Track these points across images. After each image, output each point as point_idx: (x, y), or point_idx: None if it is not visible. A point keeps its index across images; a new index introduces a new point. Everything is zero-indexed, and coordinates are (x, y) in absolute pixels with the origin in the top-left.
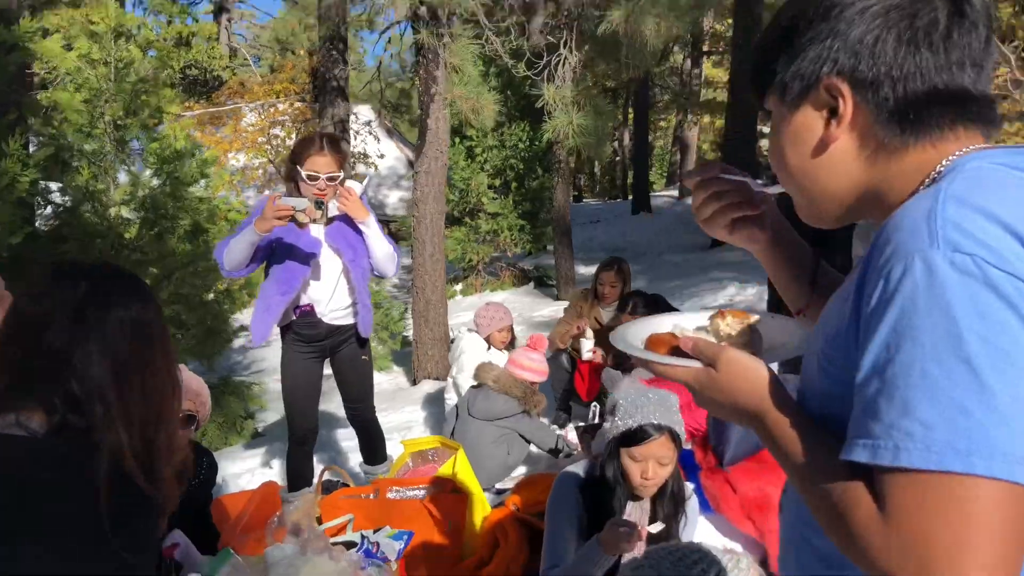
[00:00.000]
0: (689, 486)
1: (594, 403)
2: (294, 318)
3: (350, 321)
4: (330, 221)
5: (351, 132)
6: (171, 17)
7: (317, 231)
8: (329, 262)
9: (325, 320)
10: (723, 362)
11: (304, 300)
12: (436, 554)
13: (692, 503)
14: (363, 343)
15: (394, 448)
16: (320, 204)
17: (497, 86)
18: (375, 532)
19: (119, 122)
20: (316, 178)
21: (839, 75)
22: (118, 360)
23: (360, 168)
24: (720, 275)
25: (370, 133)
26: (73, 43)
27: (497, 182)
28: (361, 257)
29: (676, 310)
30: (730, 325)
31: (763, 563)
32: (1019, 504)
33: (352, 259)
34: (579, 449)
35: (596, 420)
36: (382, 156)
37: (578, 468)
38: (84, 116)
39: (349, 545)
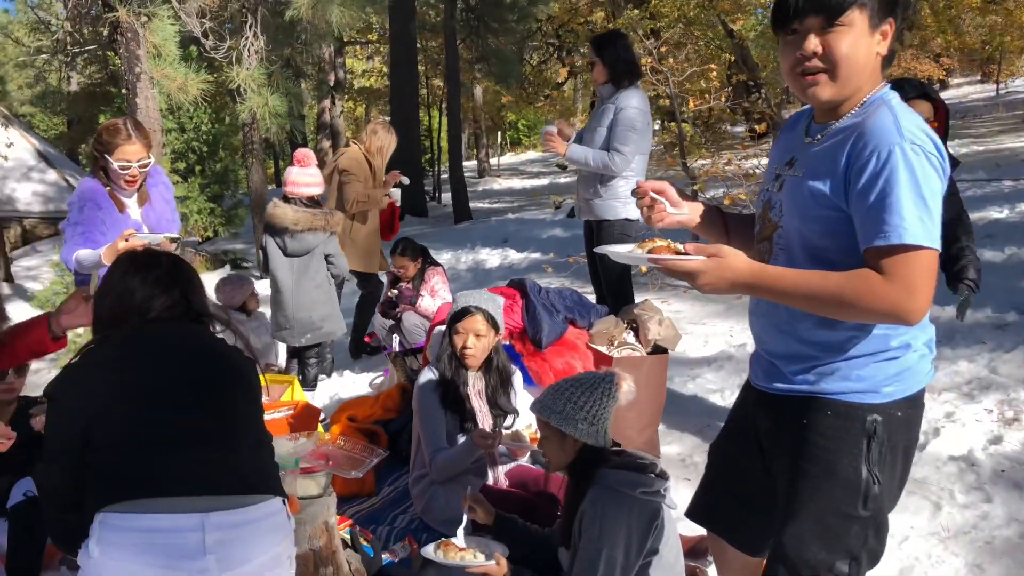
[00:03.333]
0: (515, 367)
1: (393, 335)
2: None
3: None
4: None
5: None
6: None
7: (135, 215)
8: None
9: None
10: (723, 251)
11: None
12: None
13: (517, 378)
14: None
15: None
16: (175, 239)
17: (197, 66)
18: None
19: None
20: (128, 167)
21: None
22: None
23: None
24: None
25: None
26: None
27: (180, 165)
28: (165, 229)
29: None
30: (660, 246)
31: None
32: (936, 259)
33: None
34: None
35: (399, 348)
36: (10, 145)
37: (428, 374)
38: None
39: None
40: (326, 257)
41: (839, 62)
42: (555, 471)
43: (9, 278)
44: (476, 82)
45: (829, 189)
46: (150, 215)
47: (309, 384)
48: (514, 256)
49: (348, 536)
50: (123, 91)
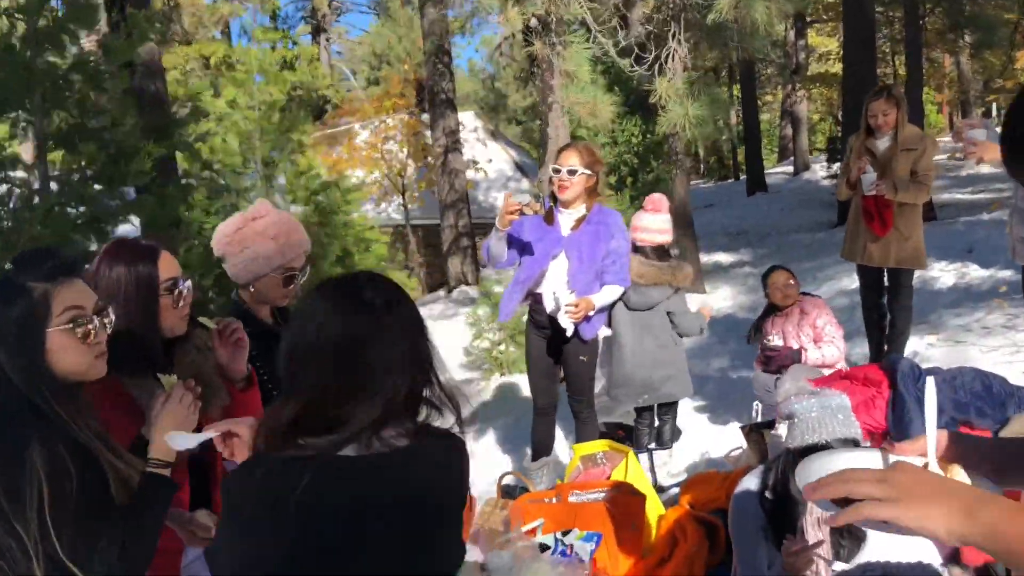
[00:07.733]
0: None
1: (755, 402)
2: (532, 303)
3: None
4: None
5: (462, 140)
6: (274, 44)
7: (564, 233)
8: (562, 263)
9: (548, 311)
10: None
11: (539, 289)
12: (622, 554)
13: None
14: (585, 343)
15: (562, 451)
16: (537, 197)
17: (606, 85)
18: (565, 534)
19: (267, 160)
20: (558, 171)
21: None
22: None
23: (470, 174)
24: None
25: (477, 139)
26: (190, 79)
27: (612, 179)
28: (588, 271)
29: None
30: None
31: (953, 557)
32: None
33: (577, 270)
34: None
35: (759, 419)
36: (490, 160)
37: (752, 482)
38: (237, 157)
39: (543, 548)
40: (668, 315)
41: None
42: None
43: (477, 281)
44: (958, 51)
45: None
46: (578, 241)
47: (642, 447)
48: (975, 274)
49: None
50: (537, 121)
